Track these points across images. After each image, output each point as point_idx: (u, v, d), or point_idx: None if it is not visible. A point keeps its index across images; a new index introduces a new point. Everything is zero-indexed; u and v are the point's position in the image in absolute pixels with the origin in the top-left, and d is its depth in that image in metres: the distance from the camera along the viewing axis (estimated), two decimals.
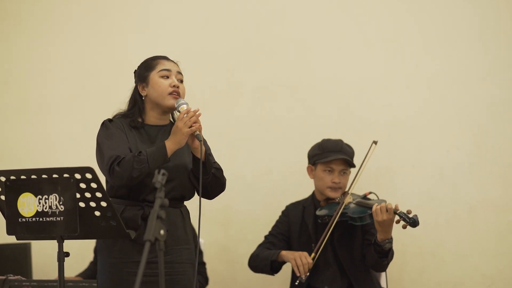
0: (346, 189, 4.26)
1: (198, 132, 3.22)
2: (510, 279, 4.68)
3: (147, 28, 5.23)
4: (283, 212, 4.46)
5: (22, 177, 3.03)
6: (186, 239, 3.34)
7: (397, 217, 3.88)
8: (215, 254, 4.99)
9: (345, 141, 4.33)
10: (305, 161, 4.58)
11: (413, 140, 4.83)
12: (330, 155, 4.23)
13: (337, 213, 4.08)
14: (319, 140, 4.40)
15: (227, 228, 5.04)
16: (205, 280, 4.64)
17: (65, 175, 2.98)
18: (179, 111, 3.29)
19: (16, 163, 5.21)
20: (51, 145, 5.31)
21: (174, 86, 3.36)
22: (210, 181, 3.32)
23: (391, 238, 3.95)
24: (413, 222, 3.84)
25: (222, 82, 5.10)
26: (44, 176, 3.00)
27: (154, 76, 3.39)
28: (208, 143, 3.45)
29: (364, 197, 4.24)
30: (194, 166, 3.31)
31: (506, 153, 4.73)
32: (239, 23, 5.11)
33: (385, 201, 4.07)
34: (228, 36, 5.11)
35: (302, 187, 4.78)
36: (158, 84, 3.37)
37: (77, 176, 2.97)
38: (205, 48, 5.12)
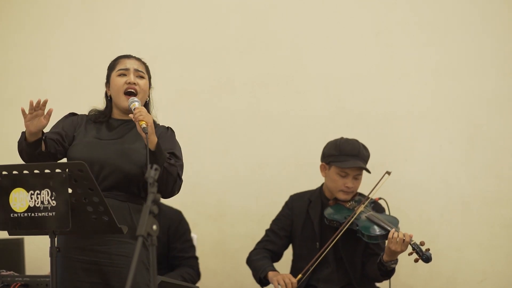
0: (359, 192, 4.23)
1: (145, 126, 3.18)
2: (503, 273, 4.69)
3: (142, 23, 5.22)
4: (286, 204, 4.40)
5: (14, 172, 3.02)
6: (132, 234, 3.21)
7: (410, 249, 3.87)
8: (208, 249, 4.99)
9: (338, 136, 4.32)
10: (297, 156, 4.60)
11: (406, 134, 4.84)
12: (347, 160, 4.14)
13: (347, 224, 4.04)
14: (312, 135, 4.39)
15: (220, 222, 5.04)
16: (197, 274, 4.64)
17: (57, 170, 2.97)
18: (130, 109, 3.31)
19: (11, 157, 5.20)
20: None
21: (129, 83, 3.39)
22: (161, 175, 3.22)
23: (397, 259, 3.96)
24: (427, 259, 3.84)
25: (215, 78, 5.09)
26: (36, 171, 3.00)
27: (113, 76, 3.45)
28: (177, 142, 3.43)
29: (375, 204, 4.21)
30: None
31: (499, 148, 4.73)
32: (233, 18, 5.10)
33: (397, 220, 4.07)
34: (221, 31, 5.10)
35: (295, 181, 4.78)
36: (115, 82, 3.43)
37: (69, 171, 2.97)
38: (198, 44, 5.11)
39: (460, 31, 4.82)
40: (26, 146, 3.24)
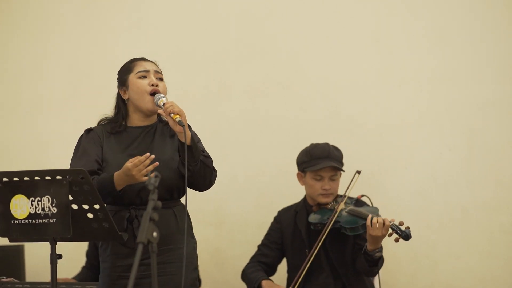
0: (338, 193, 4.27)
1: (180, 119, 3.20)
2: (503, 280, 4.69)
3: (140, 28, 5.23)
4: (275, 219, 4.46)
5: (15, 179, 3.02)
6: (178, 238, 3.31)
7: (390, 230, 3.89)
8: (207, 255, 4.98)
9: (337, 142, 4.33)
10: None
11: (405, 141, 4.84)
12: (318, 163, 4.21)
13: (330, 223, 4.07)
14: (311, 141, 4.40)
15: (219, 229, 5.03)
16: (198, 281, 4.63)
17: (58, 177, 2.97)
18: (159, 106, 3.29)
19: (8, 163, 5.21)
20: (43, 145, 5.31)
21: (153, 85, 3.35)
22: (199, 169, 3.28)
23: (381, 247, 3.96)
24: (406, 236, 3.85)
25: (213, 83, 5.10)
26: (37, 178, 3.00)
27: (133, 78, 3.39)
28: (198, 137, 3.45)
29: (357, 201, 4.23)
30: (181, 152, 3.25)
31: (499, 154, 4.73)
32: (231, 23, 5.10)
33: (377, 209, 4.09)
34: (219, 36, 5.11)
35: (294, 188, 4.77)
36: (137, 85, 3.37)
37: (70, 178, 2.97)
38: (196, 49, 5.12)
39: (459, 37, 4.82)
40: (112, 191, 3.16)
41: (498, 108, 4.75)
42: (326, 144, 4.29)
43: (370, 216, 3.90)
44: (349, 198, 4.21)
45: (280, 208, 4.50)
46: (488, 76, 4.77)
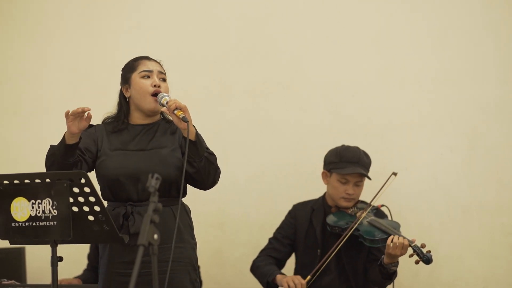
0: (361, 200, 4.27)
1: (183, 115, 3.20)
2: (504, 280, 4.69)
3: (141, 31, 5.23)
4: (290, 213, 4.43)
5: (15, 181, 3.02)
6: (178, 237, 3.30)
7: (411, 251, 3.89)
8: (209, 257, 4.99)
9: (338, 143, 4.33)
10: (298, 164, 4.61)
11: (406, 142, 4.84)
12: (347, 167, 4.18)
13: (350, 230, 4.06)
14: (311, 141, 4.40)
15: (221, 231, 5.03)
16: (199, 283, 4.63)
17: (59, 180, 2.97)
18: (163, 105, 3.30)
19: (10, 165, 5.21)
20: (44, 147, 5.28)
21: (155, 85, 3.36)
22: (204, 166, 3.27)
23: (397, 262, 3.97)
24: (427, 260, 3.86)
25: (214, 84, 5.10)
26: (37, 180, 3.00)
27: (136, 77, 3.40)
28: (202, 137, 3.42)
29: (377, 211, 4.22)
30: (186, 149, 3.24)
31: (500, 155, 4.73)
32: (231, 24, 5.11)
33: (398, 225, 4.08)
34: (220, 38, 5.11)
35: (296, 189, 4.78)
36: (139, 85, 3.38)
37: (71, 180, 2.96)
38: (197, 50, 5.12)
39: (460, 38, 4.82)
40: (63, 153, 3.18)
41: (499, 109, 4.75)
42: (357, 149, 4.26)
43: (391, 236, 3.90)
44: (369, 207, 4.18)
45: (281, 211, 4.49)
46: (489, 77, 4.78)
